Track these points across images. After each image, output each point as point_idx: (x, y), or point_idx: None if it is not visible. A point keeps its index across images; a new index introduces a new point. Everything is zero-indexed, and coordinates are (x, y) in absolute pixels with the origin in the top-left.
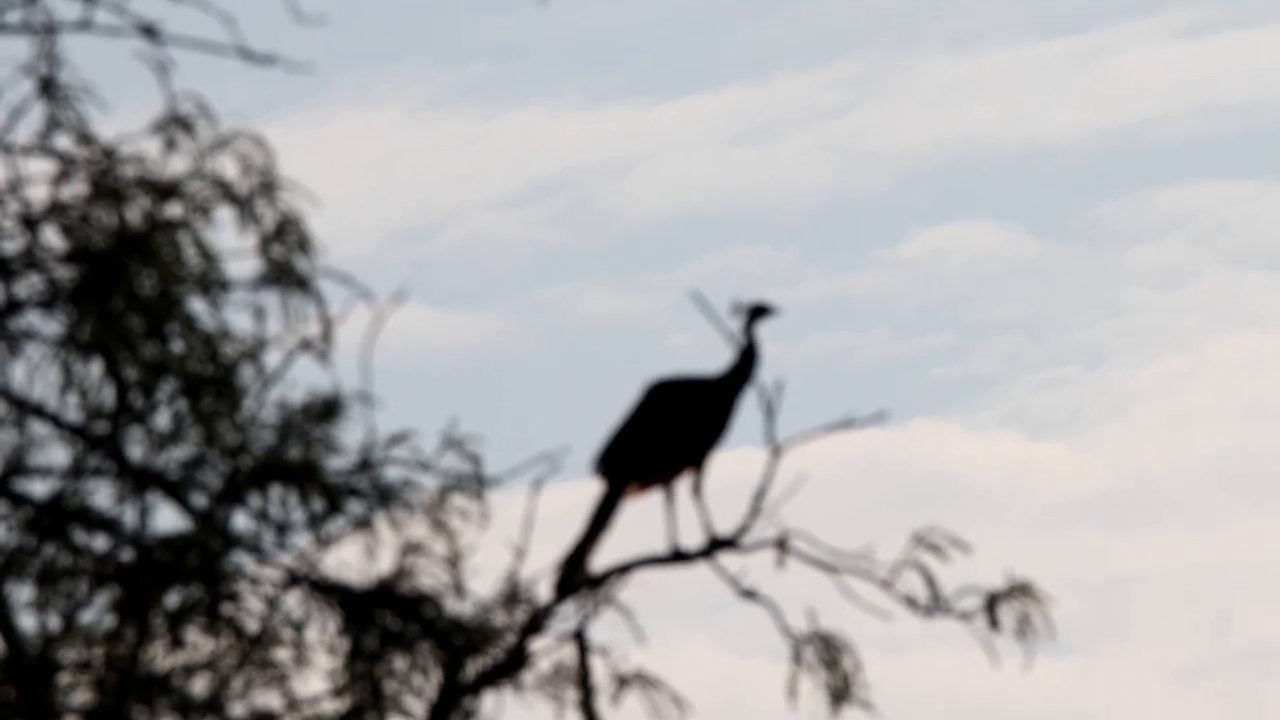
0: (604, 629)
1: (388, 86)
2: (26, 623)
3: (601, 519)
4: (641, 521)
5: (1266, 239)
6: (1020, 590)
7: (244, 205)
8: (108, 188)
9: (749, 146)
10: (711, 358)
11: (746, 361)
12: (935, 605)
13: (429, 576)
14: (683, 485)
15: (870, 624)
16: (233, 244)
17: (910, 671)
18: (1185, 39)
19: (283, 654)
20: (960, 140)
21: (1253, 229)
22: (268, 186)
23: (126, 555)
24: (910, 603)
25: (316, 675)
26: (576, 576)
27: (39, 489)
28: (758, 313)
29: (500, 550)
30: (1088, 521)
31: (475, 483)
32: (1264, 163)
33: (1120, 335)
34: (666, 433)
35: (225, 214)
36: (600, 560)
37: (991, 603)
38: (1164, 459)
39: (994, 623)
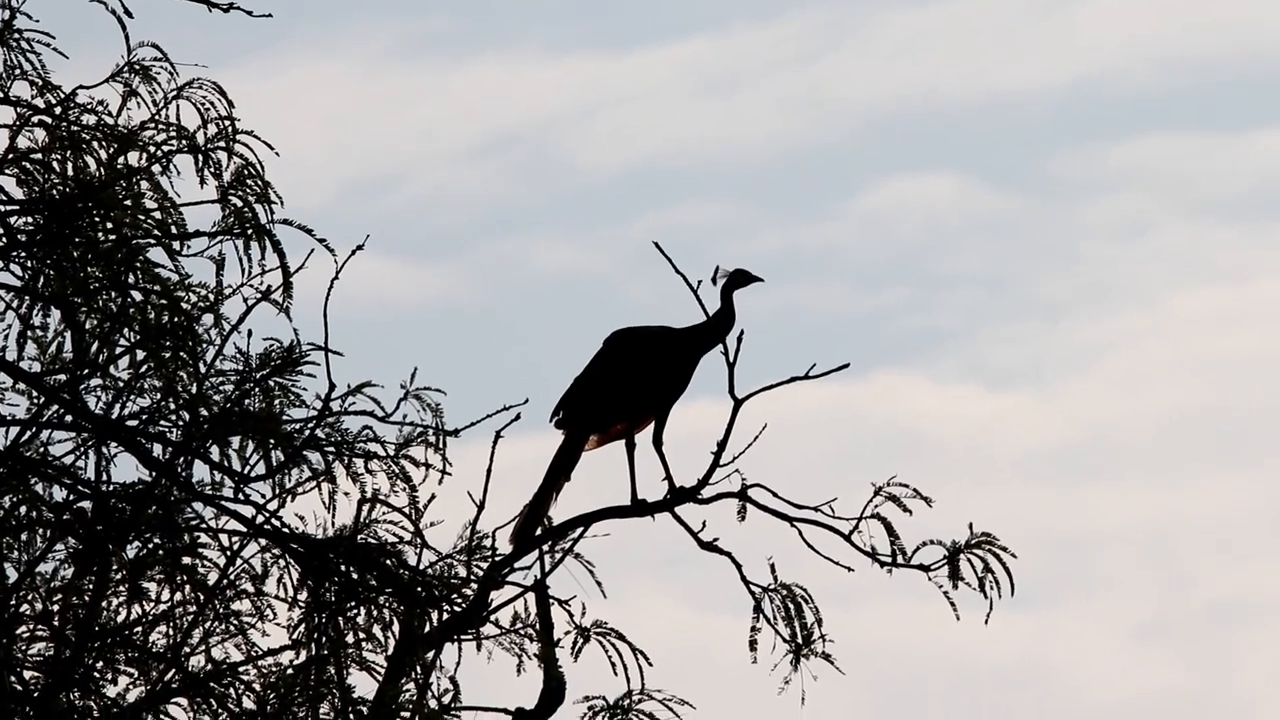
0: (565, 581)
1: (346, 37)
2: None
3: (559, 469)
4: (602, 474)
5: (1226, 192)
6: (982, 542)
7: (203, 154)
8: (66, 136)
9: (708, 98)
10: (671, 310)
11: (718, 322)
12: (897, 558)
13: (389, 528)
14: (644, 437)
15: (830, 576)
16: (193, 193)
17: (870, 624)
18: None
19: (242, 606)
20: (919, 93)
21: (1212, 182)
22: (227, 135)
23: (85, 506)
24: (872, 555)
25: (276, 627)
26: (534, 527)
27: None
28: (739, 280)
29: (461, 502)
30: (1048, 475)
31: (436, 434)
32: (1222, 115)
33: (1080, 288)
34: (625, 382)
35: (185, 163)
36: (562, 512)
37: (953, 555)
38: (1124, 413)
39: (956, 574)
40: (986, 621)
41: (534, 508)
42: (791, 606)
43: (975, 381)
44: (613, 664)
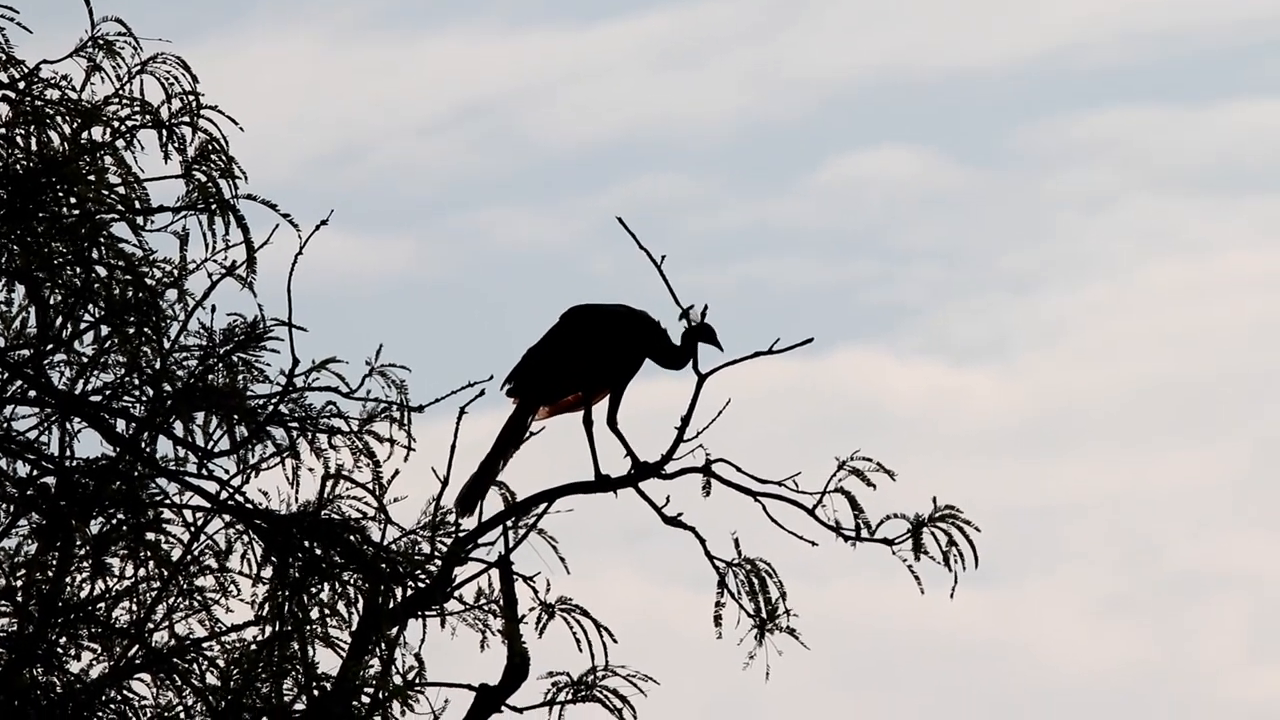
0: (529, 557)
1: (309, 11)
2: None
3: (508, 438)
4: (564, 450)
5: (1191, 165)
6: (946, 516)
7: (168, 129)
8: (30, 111)
9: (671, 72)
10: (634, 284)
11: (674, 351)
12: (860, 532)
13: (353, 504)
14: (601, 416)
15: (795, 551)
16: (157, 168)
17: (835, 598)
18: None
19: (206, 581)
20: (882, 66)
21: (1176, 154)
22: (191, 110)
23: (49, 481)
24: (836, 529)
25: (240, 603)
26: (479, 494)
27: None
28: (705, 334)
29: (425, 478)
30: (1012, 450)
31: (400, 410)
32: (1187, 88)
33: (1046, 262)
34: (578, 355)
35: (149, 138)
36: (525, 488)
37: (917, 528)
38: (1089, 387)
39: (919, 548)
40: (952, 595)
41: (481, 474)
42: (756, 581)
43: (939, 356)
44: (577, 640)
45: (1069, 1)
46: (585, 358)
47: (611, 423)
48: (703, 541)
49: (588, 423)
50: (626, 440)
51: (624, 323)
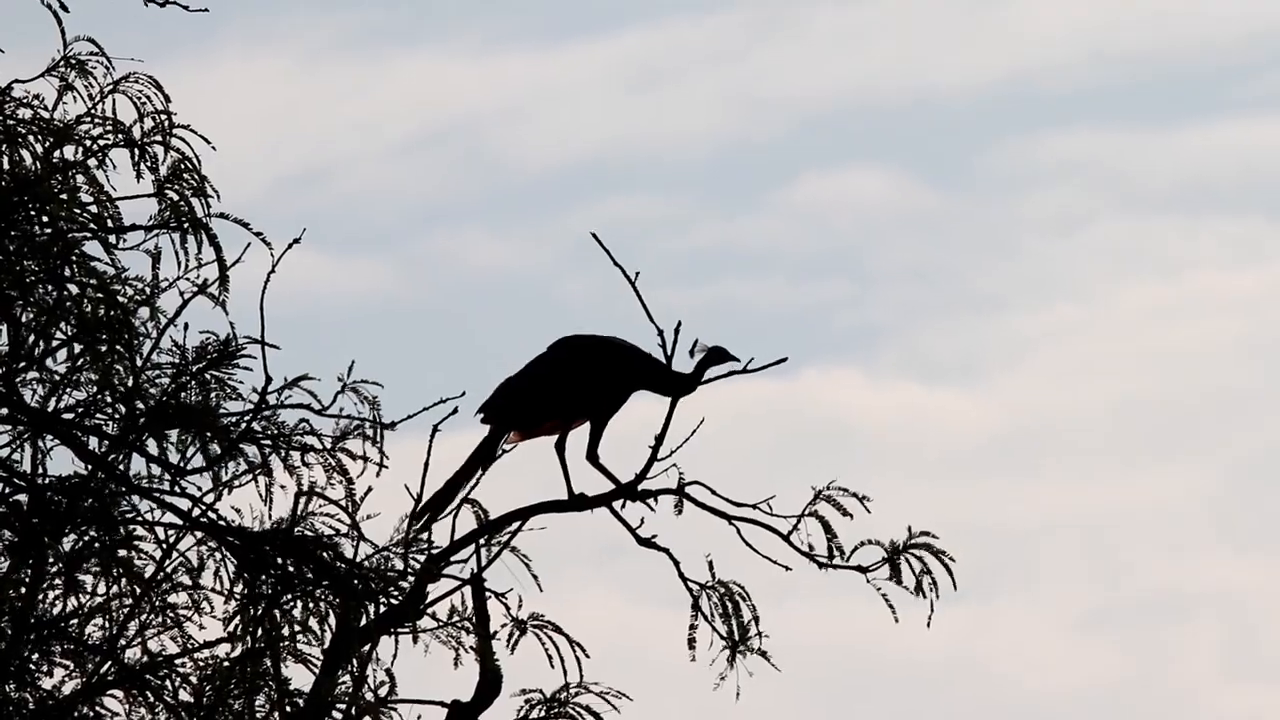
0: (502, 575)
1: (281, 31)
2: None
3: (478, 461)
4: (537, 468)
5: (1162, 185)
6: (920, 544)
7: (140, 148)
8: (2, 130)
9: (643, 93)
10: (604, 305)
11: (679, 380)
12: (834, 559)
13: (326, 521)
14: (577, 447)
15: (769, 572)
16: (129, 187)
17: (808, 619)
18: None
19: (179, 598)
20: (853, 87)
21: (1146, 175)
22: (163, 129)
23: (21, 499)
24: (809, 555)
25: (213, 620)
26: (440, 510)
27: None
28: (715, 357)
29: (398, 495)
30: (985, 470)
31: (372, 426)
32: (1155, 109)
33: (1016, 282)
34: (565, 386)
35: (121, 157)
36: (499, 505)
37: (893, 556)
38: (1062, 407)
39: (896, 576)
40: (928, 624)
41: (444, 492)
42: (729, 605)
43: (911, 376)
44: (549, 656)
45: (1038, 23)
46: (570, 389)
47: (591, 457)
48: (677, 564)
49: (560, 448)
50: (607, 470)
51: (614, 355)
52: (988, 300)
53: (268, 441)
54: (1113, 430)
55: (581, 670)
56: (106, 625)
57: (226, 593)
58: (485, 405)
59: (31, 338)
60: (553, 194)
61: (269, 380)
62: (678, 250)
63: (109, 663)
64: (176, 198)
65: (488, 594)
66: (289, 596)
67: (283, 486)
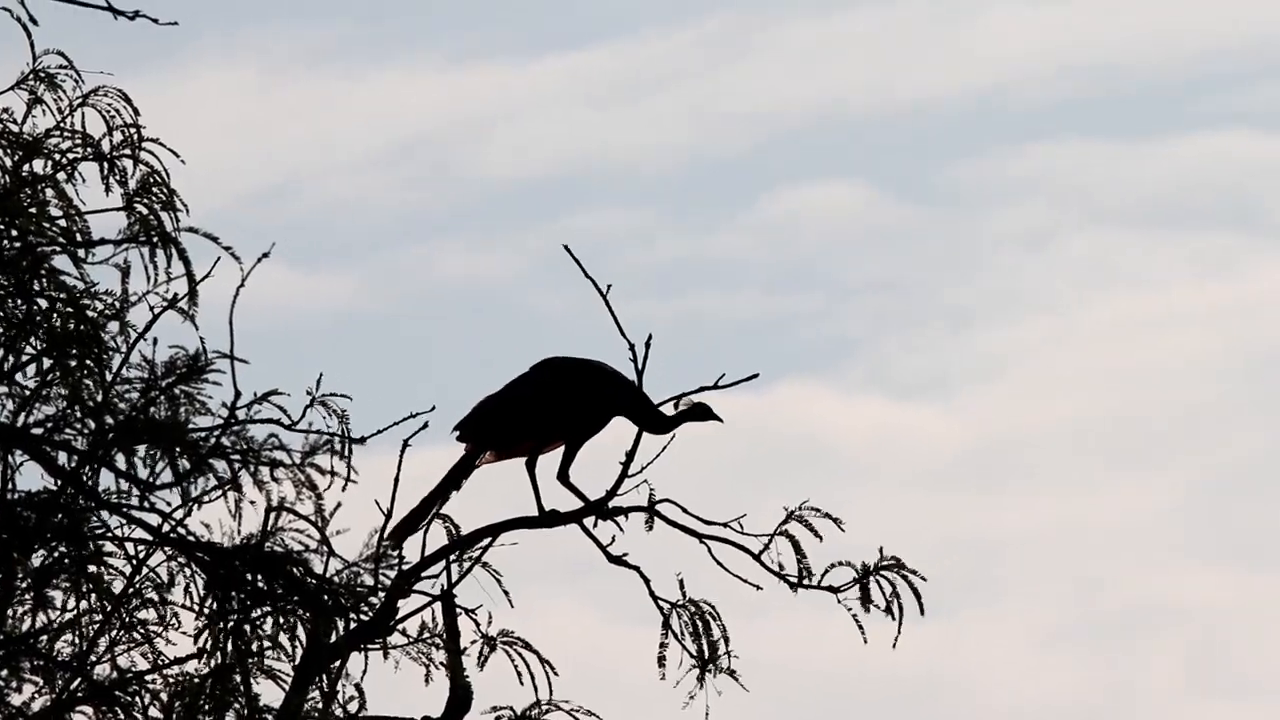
0: (472, 591)
1: (248, 45)
2: None
3: (452, 481)
4: (508, 485)
5: (1130, 200)
6: (891, 565)
7: (109, 161)
8: None
9: (611, 107)
10: (574, 319)
11: (658, 418)
12: (804, 578)
13: (296, 536)
14: (549, 465)
15: (739, 588)
16: (98, 201)
17: (776, 636)
18: (1045, 1)
19: (148, 614)
20: (822, 101)
21: (1116, 190)
22: (133, 143)
23: None
24: (780, 575)
25: (182, 636)
26: (413, 528)
27: None
28: (699, 413)
29: (368, 510)
30: (954, 485)
31: (342, 440)
32: (1124, 123)
33: (986, 297)
34: (545, 408)
35: (91, 170)
36: (470, 522)
37: (863, 577)
38: (1031, 422)
39: (866, 600)
40: (894, 645)
41: (419, 510)
42: (700, 623)
43: (880, 391)
44: (519, 673)
45: (1007, 37)
46: (550, 411)
47: (562, 476)
48: (647, 581)
49: (530, 466)
50: (577, 489)
51: (596, 380)
52: (957, 314)
53: (237, 457)
54: (1081, 445)
55: (551, 687)
56: (76, 641)
57: (196, 609)
58: (462, 424)
59: (0, 352)
60: (521, 207)
61: (238, 395)
62: (647, 264)
63: (78, 679)
64: (146, 212)
65: (458, 610)
66: (259, 612)
67: (252, 502)
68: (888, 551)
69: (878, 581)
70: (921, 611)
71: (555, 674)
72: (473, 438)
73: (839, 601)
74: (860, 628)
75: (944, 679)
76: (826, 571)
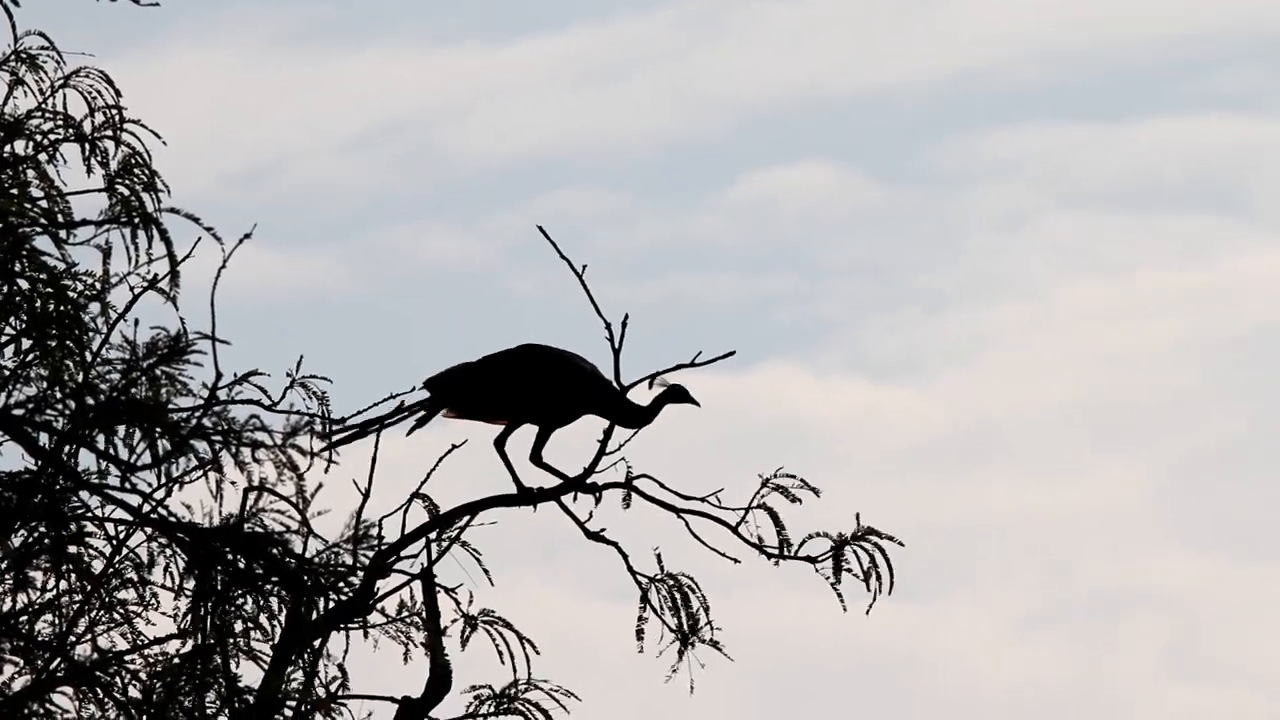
0: (452, 569)
1: (228, 26)
2: None
3: (399, 414)
4: (485, 463)
5: (1105, 183)
6: (867, 535)
7: (90, 142)
8: None
9: (589, 89)
10: (552, 300)
11: (636, 411)
12: (783, 550)
13: (276, 517)
14: (518, 444)
15: (718, 564)
16: (79, 182)
17: (759, 612)
18: None
19: (128, 595)
20: (799, 84)
21: (1091, 172)
22: (114, 124)
23: None
24: (758, 547)
25: (162, 616)
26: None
27: None
28: (675, 395)
29: (347, 491)
30: (931, 467)
31: (322, 422)
32: (1100, 106)
33: (962, 280)
34: (512, 389)
35: (72, 152)
36: (448, 499)
37: (839, 547)
38: (1008, 404)
39: (839, 568)
40: (868, 612)
41: (357, 431)
42: (678, 596)
43: (857, 372)
44: (499, 652)
45: (983, 20)
46: (518, 394)
47: (535, 458)
48: (625, 557)
49: (500, 445)
50: (552, 468)
51: (571, 376)
52: (934, 297)
53: (218, 437)
54: (1059, 428)
55: (530, 665)
56: (56, 622)
57: (176, 589)
58: (433, 380)
59: None
60: (499, 189)
61: (219, 376)
62: (625, 246)
63: (58, 659)
64: (127, 193)
65: (437, 589)
66: (239, 592)
67: (233, 483)
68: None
69: (854, 552)
70: (892, 587)
71: (536, 652)
72: (438, 393)
73: (816, 571)
74: (839, 595)
75: (921, 660)
76: (803, 543)
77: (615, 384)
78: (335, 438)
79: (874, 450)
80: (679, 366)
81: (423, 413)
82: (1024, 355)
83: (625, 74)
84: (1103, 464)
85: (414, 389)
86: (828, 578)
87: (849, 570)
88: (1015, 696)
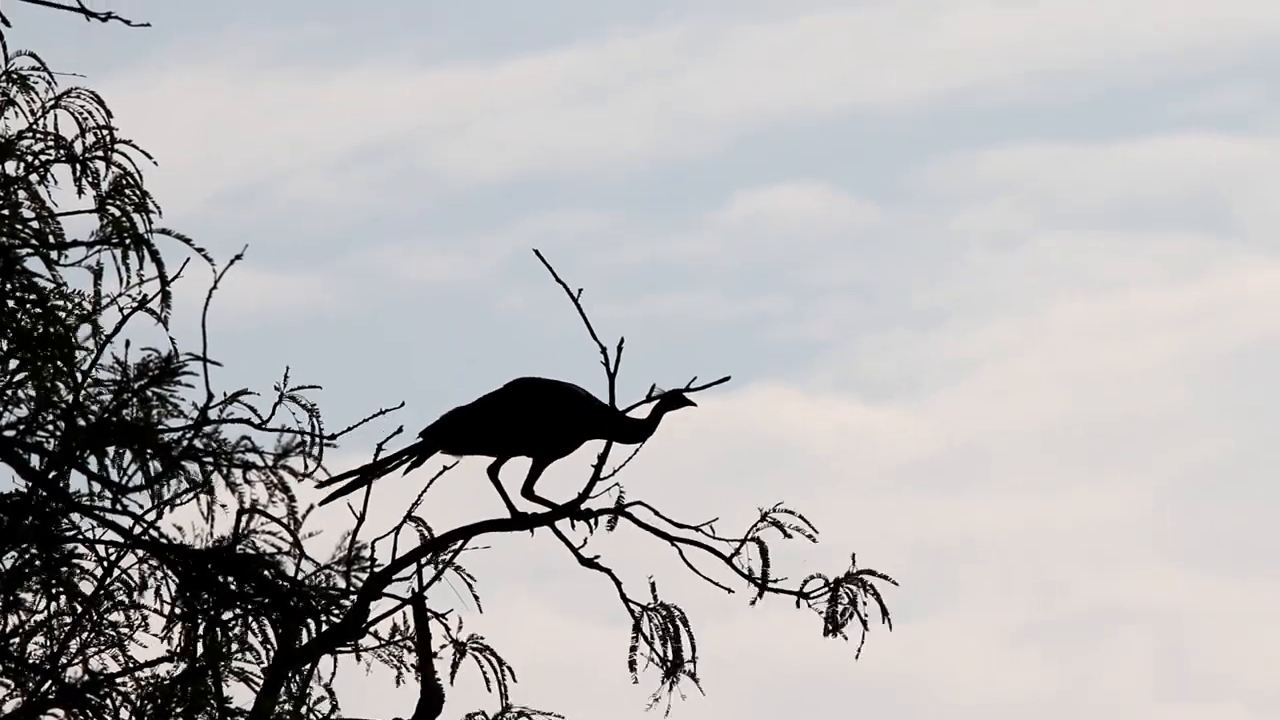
0: (444, 593)
1: (218, 46)
2: None
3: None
4: (478, 487)
5: (1096, 202)
6: (861, 575)
7: (81, 163)
8: None
9: (579, 108)
10: (544, 320)
11: (636, 426)
12: (769, 584)
13: (268, 539)
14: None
15: (709, 592)
16: (70, 202)
17: (741, 636)
18: (1011, 2)
19: (119, 616)
20: (789, 103)
21: (1082, 192)
22: (105, 144)
23: None
24: (750, 579)
25: (153, 638)
26: (349, 488)
27: None
28: (672, 401)
29: (340, 513)
30: (922, 486)
31: (313, 438)
32: (1090, 125)
33: (953, 299)
34: (508, 426)
35: (63, 172)
36: (441, 523)
37: (834, 589)
38: (998, 424)
39: (835, 626)
40: (857, 657)
41: (357, 477)
42: (670, 628)
43: (849, 393)
44: (486, 679)
45: (974, 40)
46: (516, 432)
47: (527, 491)
48: (619, 584)
49: (493, 473)
50: (545, 500)
51: (566, 405)
52: (925, 316)
53: (209, 459)
54: (1049, 447)
55: (507, 693)
56: (47, 644)
57: (168, 612)
58: (428, 430)
59: None
60: (490, 209)
61: (210, 397)
62: (615, 265)
63: (50, 681)
64: (118, 213)
65: (429, 614)
66: (230, 615)
67: (224, 505)
68: (859, 555)
69: (848, 591)
70: (887, 620)
71: (514, 681)
72: (436, 442)
73: (809, 605)
74: (839, 628)
75: (911, 678)
76: (805, 584)
77: (611, 405)
78: (333, 488)
79: (866, 469)
80: (675, 391)
81: (417, 457)
82: (1015, 375)
83: (616, 94)
84: (1093, 482)
85: (403, 404)
86: (820, 612)
87: (844, 612)
88: (1005, 713)
